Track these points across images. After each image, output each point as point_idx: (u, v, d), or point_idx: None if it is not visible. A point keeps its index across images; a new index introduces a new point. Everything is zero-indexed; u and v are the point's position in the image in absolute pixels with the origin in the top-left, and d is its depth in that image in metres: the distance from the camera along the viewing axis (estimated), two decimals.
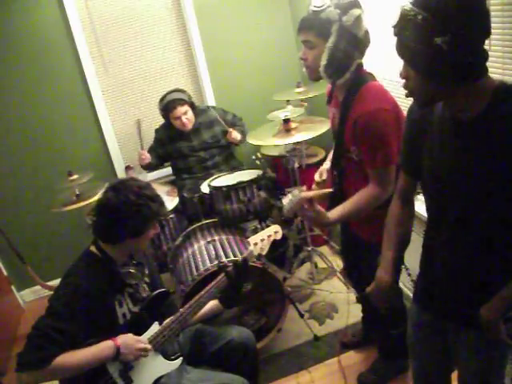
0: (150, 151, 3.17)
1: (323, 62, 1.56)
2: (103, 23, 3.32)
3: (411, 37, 0.97)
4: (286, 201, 1.54)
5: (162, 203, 1.67)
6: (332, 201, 1.76)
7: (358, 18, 1.50)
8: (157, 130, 3.18)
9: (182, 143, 3.06)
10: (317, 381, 2.29)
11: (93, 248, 1.64)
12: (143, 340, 1.60)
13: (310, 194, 1.60)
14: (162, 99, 3.02)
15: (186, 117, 2.97)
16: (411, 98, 1.15)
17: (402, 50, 1.02)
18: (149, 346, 1.59)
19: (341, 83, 1.62)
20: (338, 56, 1.54)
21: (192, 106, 3.04)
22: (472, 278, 1.20)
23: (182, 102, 2.95)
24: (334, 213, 1.62)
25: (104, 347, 1.51)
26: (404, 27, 0.98)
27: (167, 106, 2.95)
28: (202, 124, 3.09)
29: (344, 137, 1.68)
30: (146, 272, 1.81)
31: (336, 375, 2.29)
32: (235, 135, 3.06)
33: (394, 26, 1.01)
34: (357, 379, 2.21)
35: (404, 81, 1.09)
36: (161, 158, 3.16)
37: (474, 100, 1.04)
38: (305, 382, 2.30)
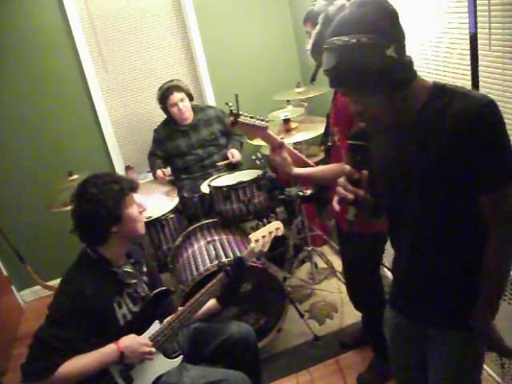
0: (150, 156, 3.17)
1: (308, 46, 1.70)
2: (103, 23, 3.32)
3: (365, 61, 0.98)
4: (248, 114, 1.63)
5: (124, 180, 1.65)
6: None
7: (342, 8, 1.58)
8: (156, 130, 3.18)
9: (181, 140, 3.06)
10: (317, 381, 2.29)
11: (88, 250, 1.63)
12: (147, 343, 1.58)
13: (282, 141, 1.68)
14: (159, 89, 3.04)
15: (183, 104, 2.98)
16: None
17: (356, 82, 1.02)
18: (153, 349, 1.58)
19: None
20: (322, 42, 1.62)
21: (189, 96, 3.06)
22: (435, 278, 1.21)
23: (178, 88, 2.98)
24: (301, 169, 1.73)
25: (107, 352, 1.50)
26: (352, 58, 0.98)
27: (164, 93, 2.97)
28: (200, 121, 3.10)
29: (330, 117, 1.79)
30: (144, 270, 1.79)
31: (336, 375, 2.29)
32: (237, 157, 3.06)
33: (336, 66, 1.00)
34: (356, 379, 2.21)
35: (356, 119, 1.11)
36: (163, 159, 3.16)
37: (413, 100, 1.08)
38: (305, 382, 2.30)
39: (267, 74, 3.65)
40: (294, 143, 2.75)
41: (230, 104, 1.62)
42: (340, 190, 1.09)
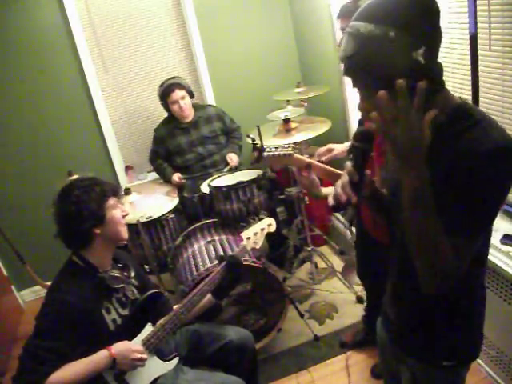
0: (153, 157, 3.17)
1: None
2: (103, 23, 3.32)
3: (385, 59, 0.88)
4: (272, 146, 1.59)
5: (106, 183, 1.67)
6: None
7: None
8: (156, 129, 3.18)
9: (181, 138, 3.07)
10: (317, 381, 2.29)
11: (74, 258, 1.62)
12: (139, 349, 1.56)
13: (309, 160, 1.61)
14: (161, 85, 3.05)
15: (184, 102, 3.00)
16: None
17: (370, 78, 0.92)
18: (145, 356, 1.55)
19: None
20: None
21: (190, 94, 3.08)
22: (418, 309, 1.16)
23: (179, 86, 3.00)
24: (329, 189, 1.64)
25: (99, 359, 1.48)
26: (372, 52, 0.89)
27: (166, 90, 2.99)
28: (201, 118, 3.12)
29: None
30: (132, 274, 1.78)
31: (336, 375, 2.29)
32: (235, 161, 3.09)
33: (353, 55, 0.91)
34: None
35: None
36: (165, 158, 3.16)
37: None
38: (305, 382, 2.30)
39: (267, 73, 3.65)
40: (294, 143, 2.75)
41: (252, 136, 1.58)
42: (338, 189, 1.05)
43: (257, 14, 3.55)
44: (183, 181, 3.03)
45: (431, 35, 0.91)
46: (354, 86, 0.99)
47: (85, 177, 1.67)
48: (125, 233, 1.71)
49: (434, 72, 0.93)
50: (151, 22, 3.42)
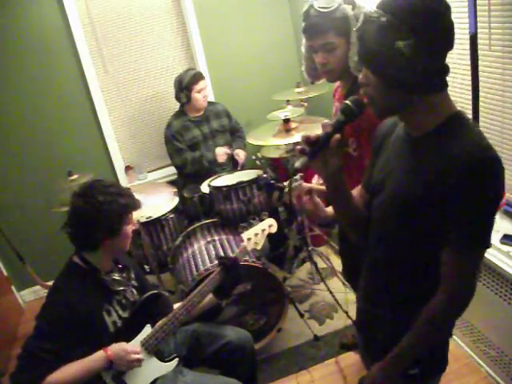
0: (180, 158, 3.07)
1: (355, 58, 1.47)
2: (103, 23, 3.32)
3: (373, 39, 0.93)
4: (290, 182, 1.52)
5: (130, 196, 1.64)
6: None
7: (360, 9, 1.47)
8: (169, 125, 3.12)
9: (195, 130, 3.10)
10: (317, 381, 2.29)
11: (76, 258, 1.60)
12: (135, 350, 1.55)
13: (309, 185, 1.56)
14: (185, 72, 3.03)
15: (207, 92, 3.07)
16: None
17: (363, 53, 0.99)
18: (141, 357, 1.55)
19: None
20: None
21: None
22: (384, 306, 1.18)
23: (203, 77, 3.06)
24: (331, 209, 1.62)
25: (96, 360, 1.48)
26: (366, 30, 0.95)
27: (194, 77, 2.98)
28: (211, 112, 3.16)
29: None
30: (133, 276, 1.78)
31: (336, 375, 2.29)
32: (242, 156, 3.12)
33: (357, 30, 0.99)
34: (358, 382, 2.20)
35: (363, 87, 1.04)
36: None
37: (427, 117, 1.00)
38: (305, 382, 2.30)
39: (267, 73, 3.65)
40: (294, 143, 2.75)
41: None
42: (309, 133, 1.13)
43: (257, 13, 3.55)
44: (228, 152, 3.04)
45: (427, 32, 0.91)
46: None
47: (110, 182, 1.64)
48: (128, 245, 1.70)
49: (421, 68, 0.92)
50: (151, 21, 3.41)
